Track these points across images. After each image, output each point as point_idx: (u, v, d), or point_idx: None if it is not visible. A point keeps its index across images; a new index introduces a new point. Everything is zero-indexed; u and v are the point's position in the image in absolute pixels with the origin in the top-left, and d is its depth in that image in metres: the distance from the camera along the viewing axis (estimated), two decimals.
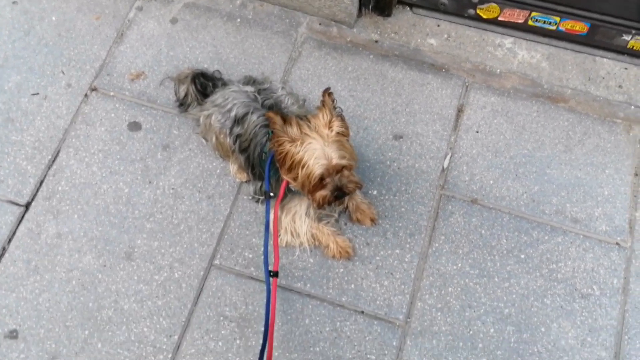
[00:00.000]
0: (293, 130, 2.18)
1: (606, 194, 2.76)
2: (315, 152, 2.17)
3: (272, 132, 2.27)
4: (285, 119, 2.19)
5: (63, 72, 2.99)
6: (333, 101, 2.24)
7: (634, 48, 2.97)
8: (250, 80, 2.71)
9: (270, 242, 2.41)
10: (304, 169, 2.19)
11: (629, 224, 2.69)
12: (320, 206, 2.33)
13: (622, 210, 2.71)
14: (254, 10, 3.18)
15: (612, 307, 2.54)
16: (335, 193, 2.26)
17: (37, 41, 3.06)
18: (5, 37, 3.07)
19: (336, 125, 2.22)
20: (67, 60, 3.02)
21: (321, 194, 2.26)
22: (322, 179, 2.21)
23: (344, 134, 2.26)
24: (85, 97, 2.94)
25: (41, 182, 2.75)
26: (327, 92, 2.23)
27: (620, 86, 2.99)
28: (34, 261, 2.60)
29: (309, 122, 2.23)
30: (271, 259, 2.36)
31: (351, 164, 2.25)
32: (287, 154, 2.20)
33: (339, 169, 2.22)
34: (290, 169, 2.23)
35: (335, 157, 2.18)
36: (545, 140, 2.87)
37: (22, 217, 2.68)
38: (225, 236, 2.65)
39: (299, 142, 2.17)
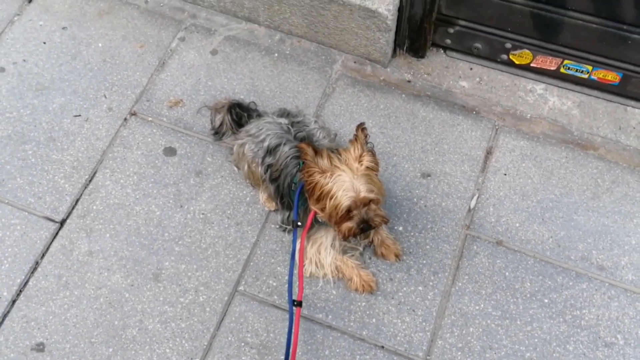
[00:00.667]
0: (324, 162, 2.24)
1: (633, 243, 2.74)
2: (344, 184, 2.22)
3: (302, 162, 2.33)
4: (317, 151, 2.26)
5: (105, 96, 3.11)
6: (366, 136, 2.30)
7: None
8: (284, 113, 2.79)
9: (295, 271, 2.44)
10: (332, 200, 2.24)
11: None
12: (345, 237, 2.37)
13: None
14: (292, 46, 3.28)
15: (636, 357, 2.51)
16: (361, 225, 2.30)
17: (82, 65, 3.20)
18: (53, 60, 3.21)
19: (366, 160, 2.28)
20: (109, 85, 3.14)
21: (347, 225, 2.31)
22: (349, 210, 2.26)
23: (373, 169, 2.31)
24: (124, 121, 3.04)
25: (77, 201, 2.84)
26: (361, 127, 2.30)
27: None
28: (65, 277, 2.67)
29: (340, 155, 2.29)
30: (295, 289, 2.39)
31: (379, 198, 2.29)
32: (316, 184, 2.26)
33: (367, 202, 2.27)
34: (318, 199, 2.28)
35: (363, 190, 2.23)
36: (573, 186, 2.88)
37: (57, 234, 2.76)
38: (251, 263, 2.70)
39: (328, 174, 2.23)
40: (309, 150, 2.24)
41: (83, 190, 2.86)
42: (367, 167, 2.28)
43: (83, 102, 3.09)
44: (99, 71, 3.18)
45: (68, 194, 2.85)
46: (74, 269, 2.69)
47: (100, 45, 3.26)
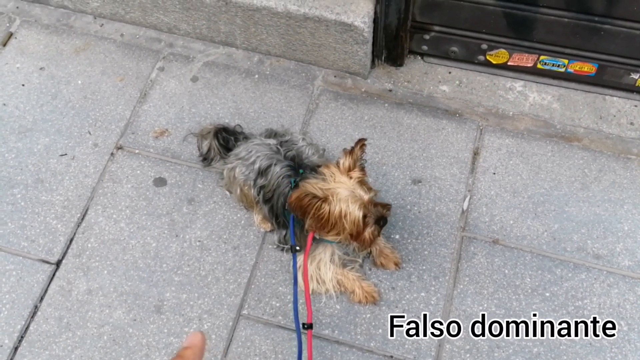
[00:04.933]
0: (317, 191, 2.26)
1: (626, 229, 2.79)
2: (348, 198, 2.26)
3: (295, 182, 2.36)
4: (301, 188, 2.28)
5: (90, 133, 3.10)
6: (362, 153, 2.34)
7: None
8: (271, 133, 2.80)
9: (301, 296, 2.46)
10: (347, 217, 2.28)
11: None
12: (370, 244, 2.42)
13: None
14: (271, 66, 3.30)
15: None
16: (380, 223, 2.37)
17: (64, 104, 3.19)
18: (34, 101, 3.20)
19: (355, 175, 2.32)
20: (93, 121, 3.13)
21: (368, 231, 2.36)
22: (364, 217, 2.31)
23: (361, 178, 2.35)
24: (111, 155, 3.03)
25: (71, 240, 2.82)
26: (362, 142, 2.35)
27: (631, 123, 3.06)
28: (66, 318, 2.65)
29: (323, 174, 2.32)
30: (302, 311, 2.39)
31: (376, 193, 2.37)
32: (328, 214, 2.28)
33: (372, 202, 2.33)
34: (334, 226, 2.32)
35: (364, 195, 2.29)
36: (561, 178, 2.92)
37: (54, 275, 2.74)
38: (252, 286, 2.69)
39: (329, 197, 2.25)
40: (300, 193, 2.25)
41: (76, 229, 2.84)
42: (357, 177, 2.33)
43: (68, 141, 3.08)
44: (81, 108, 3.17)
45: (61, 234, 2.83)
46: (75, 309, 2.66)
47: (79, 82, 3.26)
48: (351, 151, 2.31)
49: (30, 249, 2.80)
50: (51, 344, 2.60)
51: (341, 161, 2.32)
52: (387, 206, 2.42)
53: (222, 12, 3.15)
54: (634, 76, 3.02)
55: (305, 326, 2.37)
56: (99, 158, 3.02)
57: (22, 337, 2.61)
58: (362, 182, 2.35)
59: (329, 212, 2.29)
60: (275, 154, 2.61)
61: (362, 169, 2.36)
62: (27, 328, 2.63)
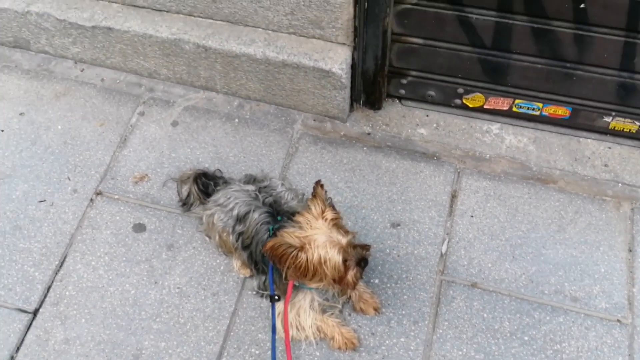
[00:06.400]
0: (294, 240, 2.27)
1: (602, 272, 2.81)
2: (325, 244, 2.27)
3: (272, 231, 2.38)
4: (277, 238, 2.31)
5: (69, 179, 3.09)
6: (325, 192, 2.35)
7: (615, 128, 3.11)
8: (250, 179, 2.81)
9: (280, 343, 2.45)
10: (326, 263, 2.29)
11: (627, 300, 2.74)
12: (354, 285, 2.43)
13: (620, 287, 2.76)
14: (251, 110, 3.33)
15: None
16: (361, 264, 2.38)
17: (43, 150, 3.19)
18: (13, 147, 3.20)
19: (329, 215, 2.35)
20: (72, 167, 3.13)
21: (350, 274, 2.36)
22: (344, 261, 2.32)
23: (336, 219, 2.37)
24: (90, 201, 3.03)
25: (49, 288, 2.79)
26: (319, 183, 2.39)
27: (605, 165, 3.11)
28: None
29: (299, 221, 2.33)
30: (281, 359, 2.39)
31: (353, 235, 2.39)
32: (305, 263, 2.29)
33: (350, 245, 2.33)
34: (315, 274, 2.32)
35: (342, 238, 2.31)
36: (538, 221, 2.96)
37: (30, 324, 2.71)
38: (231, 333, 2.68)
39: (307, 245, 2.26)
40: (275, 243, 2.26)
41: (54, 277, 2.82)
42: (332, 219, 2.34)
43: (47, 187, 3.07)
44: (60, 154, 3.18)
45: (39, 282, 2.81)
46: (52, 359, 2.63)
47: (59, 127, 3.27)
48: (314, 195, 2.34)
49: (7, 298, 2.77)
50: None
51: (312, 207, 2.34)
52: (366, 247, 2.43)
53: (202, 58, 3.19)
54: (607, 119, 3.08)
55: None
56: (78, 204, 3.02)
57: None
58: (338, 226, 2.36)
59: (307, 260, 2.29)
60: (254, 200, 2.62)
61: (333, 207, 2.40)
62: None
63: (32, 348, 2.66)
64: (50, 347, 2.66)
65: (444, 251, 2.88)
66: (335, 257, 2.29)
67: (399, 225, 2.95)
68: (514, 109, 3.17)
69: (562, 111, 3.11)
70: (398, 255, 2.87)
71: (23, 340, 2.67)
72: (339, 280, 2.38)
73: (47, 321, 2.72)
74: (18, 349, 2.66)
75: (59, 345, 2.66)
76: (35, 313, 2.74)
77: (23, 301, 2.76)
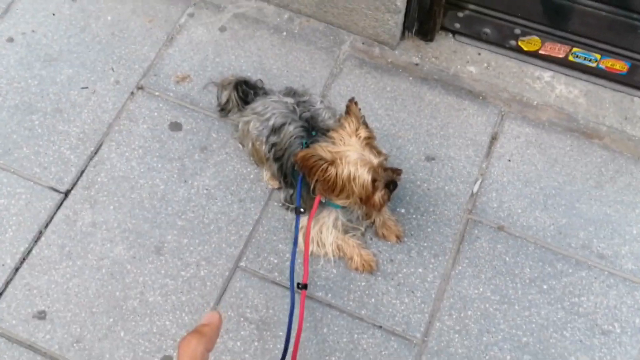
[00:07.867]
0: (326, 154, 2.25)
1: (634, 233, 2.75)
2: (357, 162, 2.25)
3: (306, 144, 2.36)
4: (310, 149, 2.29)
5: (113, 69, 3.11)
6: (359, 110, 2.32)
7: None
8: (290, 92, 2.78)
9: (300, 256, 2.47)
10: (355, 180, 2.28)
11: None
12: (381, 207, 2.41)
13: None
14: (300, 25, 3.27)
15: (632, 346, 2.53)
16: (390, 187, 2.36)
17: (91, 38, 3.20)
18: (62, 32, 3.22)
19: (363, 133, 2.31)
20: (117, 59, 3.14)
21: (378, 195, 2.35)
22: (374, 181, 2.30)
23: (370, 137, 2.34)
24: (131, 94, 3.05)
25: (82, 172, 2.85)
26: (353, 101, 2.34)
27: None
28: (68, 247, 2.69)
29: (333, 137, 2.30)
30: (299, 271, 2.42)
31: (386, 157, 2.37)
32: (335, 176, 2.27)
33: (381, 166, 2.32)
34: (342, 190, 2.31)
35: (374, 158, 2.28)
36: (576, 174, 2.89)
37: (61, 204, 2.78)
38: (253, 240, 2.72)
39: (338, 160, 2.24)
40: (307, 153, 2.25)
41: (88, 162, 2.88)
42: (365, 137, 2.32)
43: (90, 75, 3.10)
44: (107, 44, 3.18)
45: (73, 165, 2.87)
46: (77, 239, 2.71)
47: (109, 18, 3.27)
48: (348, 112, 2.31)
49: (41, 176, 2.84)
50: (51, 269, 2.65)
51: (345, 124, 2.31)
52: (397, 171, 2.40)
53: None
54: None
55: (300, 286, 2.41)
56: (119, 95, 3.04)
57: (24, 259, 2.67)
58: (371, 146, 2.33)
59: (336, 175, 2.28)
60: (291, 113, 2.60)
61: (367, 126, 2.36)
62: (29, 251, 2.68)
63: (60, 226, 2.74)
64: (78, 228, 2.73)
65: (475, 191, 2.84)
66: (364, 175, 2.28)
67: (433, 159, 2.91)
68: (570, 57, 3.04)
69: (620, 66, 2.98)
70: (428, 189, 2.84)
71: (52, 218, 2.75)
72: (366, 200, 2.36)
73: (77, 203, 2.78)
74: (47, 225, 2.74)
75: (86, 227, 2.74)
76: (66, 194, 2.81)
77: (56, 181, 2.83)
